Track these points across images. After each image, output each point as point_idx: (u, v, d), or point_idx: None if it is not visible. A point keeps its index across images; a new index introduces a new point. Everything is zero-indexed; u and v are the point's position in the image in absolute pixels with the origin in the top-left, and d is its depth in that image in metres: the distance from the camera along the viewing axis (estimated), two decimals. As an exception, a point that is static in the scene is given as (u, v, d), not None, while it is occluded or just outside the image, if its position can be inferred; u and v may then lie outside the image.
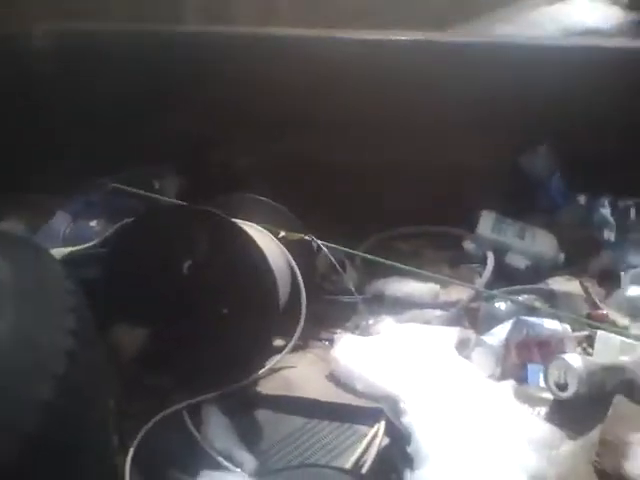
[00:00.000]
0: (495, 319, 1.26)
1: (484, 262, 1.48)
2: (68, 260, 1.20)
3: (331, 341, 1.27)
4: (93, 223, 1.36)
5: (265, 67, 1.57)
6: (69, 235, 1.36)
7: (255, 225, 1.33)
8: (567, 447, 0.99)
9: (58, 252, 1.22)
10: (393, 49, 1.64)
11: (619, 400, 1.03)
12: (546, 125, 1.58)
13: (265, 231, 1.33)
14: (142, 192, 1.38)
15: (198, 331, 1.13)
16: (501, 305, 1.30)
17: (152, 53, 1.59)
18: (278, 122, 1.59)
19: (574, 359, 1.04)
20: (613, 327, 1.20)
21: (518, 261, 1.49)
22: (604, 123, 1.55)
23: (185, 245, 1.16)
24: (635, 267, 1.41)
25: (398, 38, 1.66)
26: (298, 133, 1.61)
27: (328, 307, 1.42)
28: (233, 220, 1.22)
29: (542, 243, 1.52)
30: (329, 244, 1.39)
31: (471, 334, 1.24)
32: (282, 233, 1.37)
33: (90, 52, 1.60)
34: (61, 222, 1.38)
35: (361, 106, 1.59)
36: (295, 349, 1.20)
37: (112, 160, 1.52)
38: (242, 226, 1.23)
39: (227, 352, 1.10)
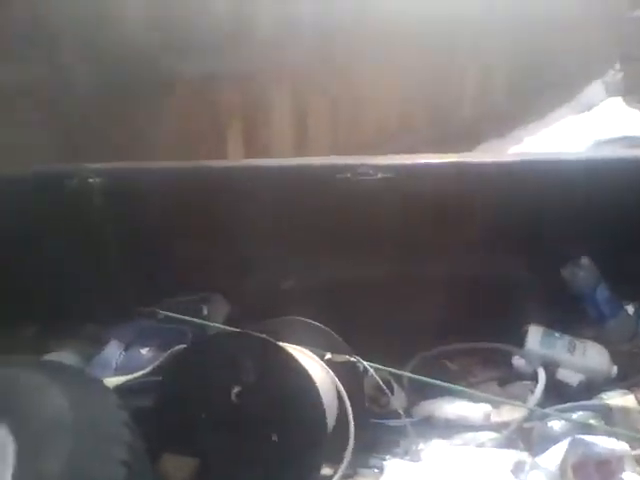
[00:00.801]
0: (550, 439, 1.21)
1: (535, 379, 1.44)
2: (121, 389, 1.23)
3: (380, 468, 1.24)
4: (144, 351, 1.40)
5: (298, 194, 1.65)
6: (121, 364, 1.40)
7: (301, 348, 1.34)
8: None
9: (111, 382, 1.25)
10: (429, 172, 1.71)
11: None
12: (589, 236, 1.60)
13: (312, 354, 1.35)
14: (191, 319, 1.43)
15: (247, 458, 1.12)
16: (555, 424, 1.26)
17: (193, 186, 1.69)
18: (316, 244, 1.64)
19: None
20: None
21: (570, 377, 1.45)
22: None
23: (233, 371, 1.18)
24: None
25: (431, 161, 1.73)
26: (337, 254, 1.66)
27: (376, 431, 1.39)
28: (280, 344, 1.24)
29: (593, 356, 1.49)
30: (375, 365, 1.39)
31: (526, 457, 1.20)
32: (328, 355, 1.38)
33: (137, 186, 1.70)
34: (113, 351, 1.42)
35: (402, 224, 1.65)
36: (344, 477, 1.17)
37: (161, 288, 1.59)
38: (289, 350, 1.25)
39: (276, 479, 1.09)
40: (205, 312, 1.51)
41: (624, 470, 1.10)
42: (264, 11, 3.78)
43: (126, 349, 1.42)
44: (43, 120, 2.53)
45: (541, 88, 8.18)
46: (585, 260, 1.61)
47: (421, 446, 1.32)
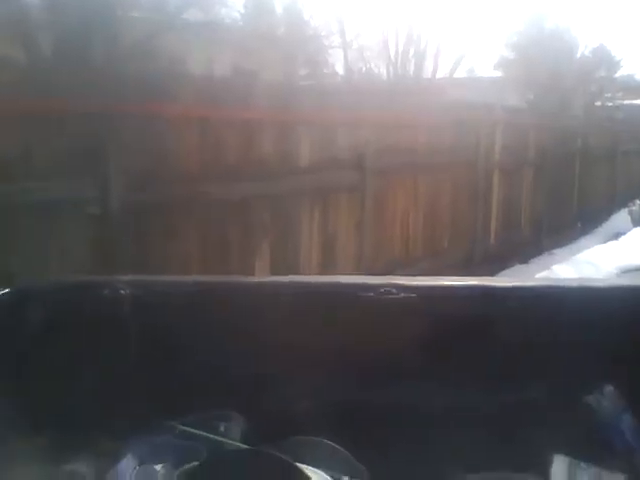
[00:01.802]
0: None
1: (561, 512, 1.38)
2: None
3: None
4: (158, 467, 1.38)
5: (321, 311, 1.68)
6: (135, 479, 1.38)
7: (317, 471, 1.31)
8: None
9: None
10: (451, 295, 1.73)
11: None
12: (614, 364, 1.58)
13: (328, 477, 1.32)
14: (208, 434, 1.42)
15: None
16: None
17: (218, 300, 1.74)
18: (336, 364, 1.64)
19: None
20: None
21: (598, 511, 1.38)
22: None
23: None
24: None
25: (453, 284, 1.77)
26: (356, 374, 1.65)
27: None
28: (296, 465, 1.22)
29: (622, 490, 1.42)
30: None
31: None
32: (345, 478, 1.35)
33: (163, 299, 1.75)
34: (127, 466, 1.40)
35: (423, 346, 1.65)
36: None
37: (178, 403, 1.59)
38: (306, 471, 1.23)
39: None
40: (222, 429, 1.50)
41: None
42: (303, 139, 4.03)
43: (140, 464, 1.40)
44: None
45: (568, 218, 8.33)
46: (609, 388, 1.58)
47: None
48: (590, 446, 1.54)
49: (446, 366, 1.65)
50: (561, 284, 1.92)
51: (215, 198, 3.31)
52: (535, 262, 6.42)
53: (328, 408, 1.63)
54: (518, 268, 5.97)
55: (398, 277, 1.86)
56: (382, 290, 1.69)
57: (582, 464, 1.49)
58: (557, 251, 7.08)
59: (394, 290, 1.68)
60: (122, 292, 1.73)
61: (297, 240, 4.02)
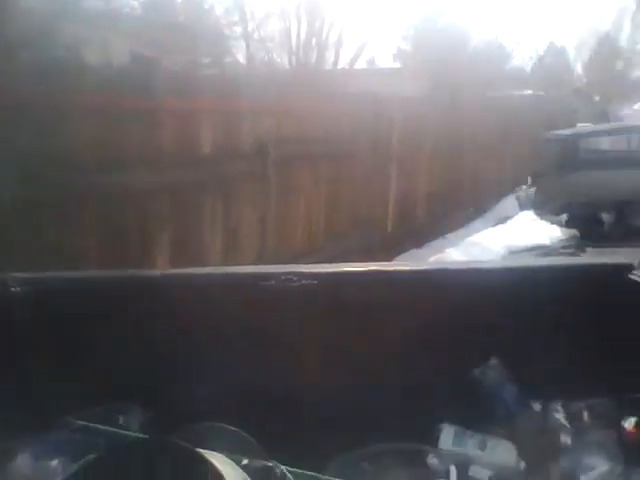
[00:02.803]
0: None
1: (448, 477, 1.48)
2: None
3: None
4: (55, 462, 1.36)
5: (221, 302, 1.70)
6: (30, 476, 1.35)
7: (217, 454, 1.34)
8: None
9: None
10: (351, 280, 1.80)
11: None
12: (496, 338, 1.70)
13: (228, 460, 1.35)
14: (105, 428, 1.41)
15: None
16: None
17: (114, 294, 1.72)
18: (238, 351, 1.68)
19: None
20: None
21: (480, 473, 1.50)
22: (552, 332, 1.67)
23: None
24: (593, 469, 1.43)
25: (353, 270, 1.84)
26: (258, 360, 1.69)
27: None
28: (196, 451, 1.24)
29: (503, 453, 1.55)
30: (293, 469, 1.39)
31: None
32: (245, 461, 1.38)
33: (57, 295, 1.71)
34: (22, 463, 1.37)
35: (324, 331, 1.71)
36: None
37: (76, 398, 1.56)
38: (206, 456, 1.25)
39: None
40: (121, 421, 1.49)
41: None
42: (204, 128, 3.99)
43: (36, 461, 1.38)
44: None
45: (460, 203, 8.73)
46: (493, 361, 1.70)
47: None
48: (476, 415, 1.67)
49: (346, 349, 1.72)
50: (451, 267, 2.04)
51: (113, 190, 3.23)
52: (429, 246, 6.70)
53: (230, 394, 1.66)
54: (414, 252, 6.21)
55: (298, 265, 1.92)
56: (283, 278, 1.73)
57: (468, 432, 1.61)
58: (450, 235, 7.42)
59: (295, 278, 1.73)
60: (13, 289, 1.68)
61: (199, 231, 3.99)
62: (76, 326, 1.66)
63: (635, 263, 1.74)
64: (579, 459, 1.51)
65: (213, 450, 1.34)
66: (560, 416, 1.62)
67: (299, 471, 1.40)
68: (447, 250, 5.50)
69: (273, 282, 1.72)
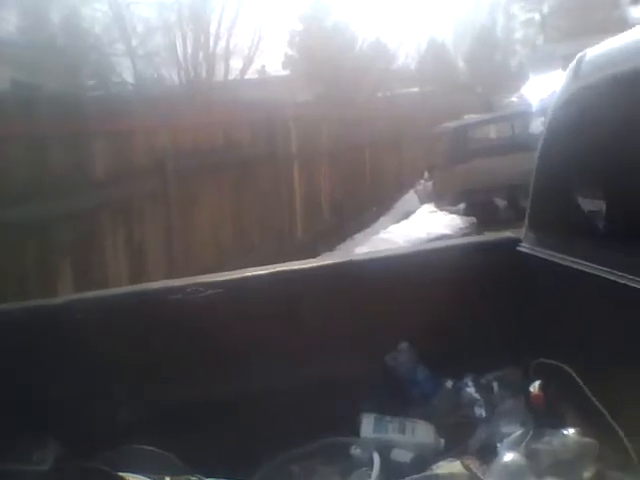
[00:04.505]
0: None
1: (372, 464, 1.52)
2: None
3: None
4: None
5: (131, 322, 1.67)
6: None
7: (140, 477, 1.31)
8: None
9: None
10: (256, 285, 1.80)
11: None
12: (406, 323, 1.76)
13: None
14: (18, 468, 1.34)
15: None
16: (393, 501, 1.33)
17: (18, 327, 1.65)
18: (153, 370, 1.65)
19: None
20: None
21: (403, 456, 1.55)
22: (454, 307, 1.75)
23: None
24: (508, 436, 1.51)
25: (258, 274, 1.84)
26: (171, 376, 1.67)
27: None
28: (116, 474, 1.21)
29: (422, 433, 1.60)
30: (219, 479, 1.39)
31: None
32: (167, 479, 1.37)
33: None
34: None
35: (235, 338, 1.71)
36: None
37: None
38: (126, 478, 1.22)
39: None
40: (35, 458, 1.42)
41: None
42: (97, 151, 3.86)
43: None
44: None
45: (364, 202, 8.93)
46: (404, 345, 1.76)
47: None
48: (393, 400, 1.72)
49: (261, 352, 1.73)
50: (357, 259, 2.08)
51: (4, 222, 3.06)
52: (340, 248, 6.81)
53: (148, 415, 1.63)
54: (326, 256, 6.28)
55: (203, 276, 1.90)
56: (189, 290, 1.72)
57: (387, 417, 1.66)
58: (358, 235, 7.57)
59: (201, 289, 1.72)
60: None
61: (102, 255, 3.86)
62: None
63: (522, 237, 1.86)
64: (494, 429, 1.59)
65: (134, 472, 1.32)
66: (472, 390, 1.70)
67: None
68: (357, 249, 5.61)
69: (180, 295, 1.71)
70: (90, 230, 3.81)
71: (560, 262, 1.63)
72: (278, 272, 1.84)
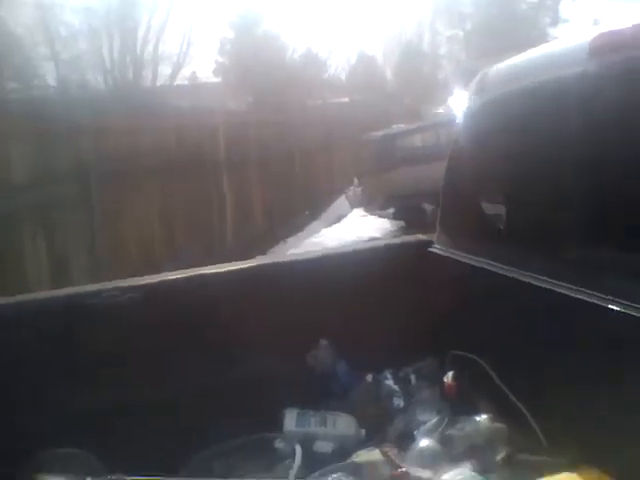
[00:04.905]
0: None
1: (294, 456, 1.55)
2: None
3: None
4: None
5: (49, 328, 1.64)
6: None
7: (60, 478, 1.30)
8: None
9: None
10: (173, 289, 1.80)
11: None
12: (326, 322, 1.81)
13: (70, 480, 1.31)
14: None
15: None
16: (315, 490, 1.36)
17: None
18: (72, 375, 1.62)
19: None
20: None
21: (325, 447, 1.59)
22: (373, 305, 1.81)
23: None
24: (424, 423, 1.58)
25: (175, 277, 1.84)
26: (89, 382, 1.65)
27: None
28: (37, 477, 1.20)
29: (343, 425, 1.65)
30: (141, 477, 1.38)
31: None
32: (88, 479, 1.35)
33: None
34: None
35: (153, 341, 1.70)
36: None
37: None
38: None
39: None
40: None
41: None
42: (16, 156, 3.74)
43: None
44: None
45: (296, 207, 9.00)
46: (323, 342, 1.80)
47: None
48: (315, 396, 1.76)
49: (183, 353, 1.73)
50: (280, 260, 2.12)
51: None
52: (272, 252, 6.83)
53: (73, 418, 1.60)
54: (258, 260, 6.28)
55: (121, 280, 1.87)
56: (105, 295, 1.70)
57: (310, 412, 1.69)
58: (290, 239, 7.61)
59: (118, 293, 1.71)
60: None
61: (20, 265, 3.74)
62: None
63: (434, 239, 1.96)
64: (411, 418, 1.65)
65: (56, 474, 1.30)
66: (391, 383, 1.76)
67: (145, 477, 1.39)
68: (288, 253, 5.65)
69: (97, 301, 1.69)
70: (7, 235, 3.69)
71: (467, 262, 1.73)
72: (194, 275, 1.84)
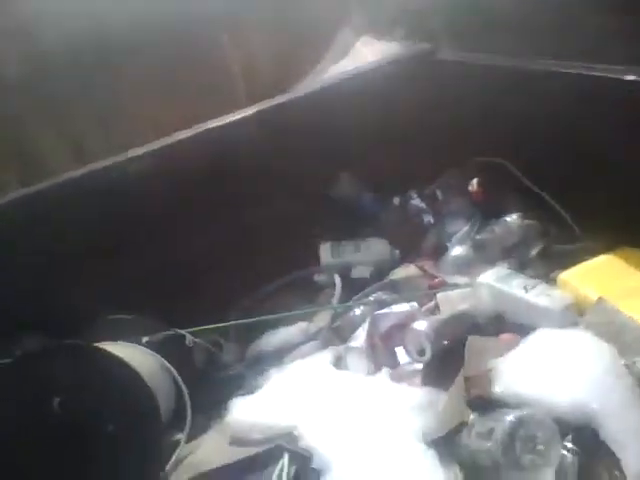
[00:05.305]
0: (357, 325, 1.36)
1: (334, 285, 1.60)
2: None
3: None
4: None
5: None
6: None
7: (115, 343, 1.35)
8: (445, 398, 1.09)
9: None
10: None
11: (471, 339, 1.16)
12: (348, 151, 1.77)
13: (128, 343, 1.38)
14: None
15: (86, 460, 1.12)
16: (357, 312, 1.42)
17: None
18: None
19: (420, 324, 1.16)
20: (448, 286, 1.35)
21: (362, 272, 1.63)
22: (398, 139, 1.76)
23: (51, 382, 1.16)
24: (456, 232, 1.59)
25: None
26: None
27: (217, 390, 1.42)
28: (92, 345, 1.25)
29: (377, 249, 1.68)
30: (196, 328, 1.44)
31: (341, 348, 1.33)
32: (145, 338, 1.42)
33: None
34: None
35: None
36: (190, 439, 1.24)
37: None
38: (100, 346, 1.26)
39: (120, 470, 1.10)
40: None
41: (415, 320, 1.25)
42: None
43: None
44: None
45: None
46: (344, 175, 1.78)
47: (259, 381, 1.39)
48: (345, 227, 1.77)
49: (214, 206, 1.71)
50: (285, 100, 2.00)
51: None
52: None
53: (117, 284, 1.63)
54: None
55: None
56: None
57: (343, 242, 1.72)
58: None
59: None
60: None
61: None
62: None
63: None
64: (442, 230, 1.67)
65: (112, 340, 1.36)
66: (417, 202, 1.75)
67: (199, 328, 1.44)
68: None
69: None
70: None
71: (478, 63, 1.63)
72: (203, 131, 1.77)
